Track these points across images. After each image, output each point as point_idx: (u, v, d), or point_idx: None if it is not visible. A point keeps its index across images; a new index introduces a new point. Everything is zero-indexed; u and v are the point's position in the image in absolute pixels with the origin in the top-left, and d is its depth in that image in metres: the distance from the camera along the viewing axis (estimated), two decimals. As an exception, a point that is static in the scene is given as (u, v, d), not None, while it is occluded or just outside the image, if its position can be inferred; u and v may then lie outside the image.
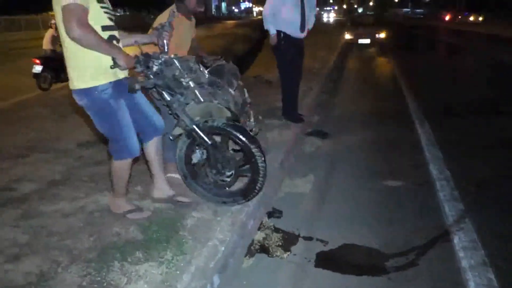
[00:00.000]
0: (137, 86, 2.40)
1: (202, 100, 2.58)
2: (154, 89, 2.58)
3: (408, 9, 62.51)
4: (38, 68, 8.22)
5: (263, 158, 2.59)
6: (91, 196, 2.99)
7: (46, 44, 8.85)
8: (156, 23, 2.91)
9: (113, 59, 2.22)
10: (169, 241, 2.36)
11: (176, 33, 2.93)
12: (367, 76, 9.70)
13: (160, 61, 2.45)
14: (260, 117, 3.48)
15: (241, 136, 2.53)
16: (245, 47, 15.03)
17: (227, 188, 2.80)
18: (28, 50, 11.96)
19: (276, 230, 2.91)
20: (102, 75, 2.27)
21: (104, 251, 2.28)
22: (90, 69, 2.24)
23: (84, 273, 2.11)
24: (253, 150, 2.55)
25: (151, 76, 2.44)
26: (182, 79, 2.51)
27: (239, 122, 2.71)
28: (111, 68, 2.24)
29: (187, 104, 2.60)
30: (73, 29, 2.05)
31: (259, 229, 2.91)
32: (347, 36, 15.61)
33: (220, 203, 2.80)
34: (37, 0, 33.00)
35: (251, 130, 2.93)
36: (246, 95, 3.13)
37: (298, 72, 5.03)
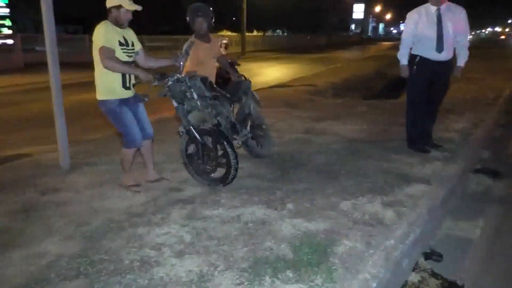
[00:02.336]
0: (146, 99, 3.40)
1: (200, 109, 3.45)
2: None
3: None
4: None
5: (234, 156, 3.36)
6: (247, 207, 3.14)
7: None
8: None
9: (136, 76, 3.27)
10: (319, 266, 2.30)
11: (195, 55, 3.89)
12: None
13: (173, 78, 3.31)
14: (264, 127, 4.37)
15: (220, 138, 3.40)
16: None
17: (212, 175, 3.59)
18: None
19: (434, 275, 2.60)
20: (111, 94, 3.30)
21: (257, 263, 2.35)
22: (105, 88, 3.30)
23: (238, 281, 2.19)
24: (228, 150, 3.35)
25: (166, 88, 3.34)
26: (187, 93, 3.38)
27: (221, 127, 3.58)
28: (133, 84, 3.38)
29: (190, 111, 3.47)
30: (104, 62, 3.13)
31: (413, 270, 2.65)
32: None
33: (206, 185, 3.58)
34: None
35: (245, 135, 3.92)
36: (252, 108, 4.11)
37: (431, 102, 4.50)
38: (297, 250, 2.48)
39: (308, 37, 47.52)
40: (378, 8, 69.34)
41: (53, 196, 3.48)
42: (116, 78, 3.26)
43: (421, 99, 4.47)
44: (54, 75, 3.99)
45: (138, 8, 3.24)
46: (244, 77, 4.14)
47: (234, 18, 37.78)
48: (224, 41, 9.71)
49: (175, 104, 3.45)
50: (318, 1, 41.90)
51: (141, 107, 3.56)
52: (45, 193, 3.53)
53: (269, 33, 50.02)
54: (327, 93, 9.44)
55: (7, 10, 33.69)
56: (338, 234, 2.69)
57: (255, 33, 44.54)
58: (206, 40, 4.06)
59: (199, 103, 3.42)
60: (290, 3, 37.88)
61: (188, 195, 3.44)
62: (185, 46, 3.46)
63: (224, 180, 3.48)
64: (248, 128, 3.97)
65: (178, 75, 3.35)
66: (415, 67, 4.39)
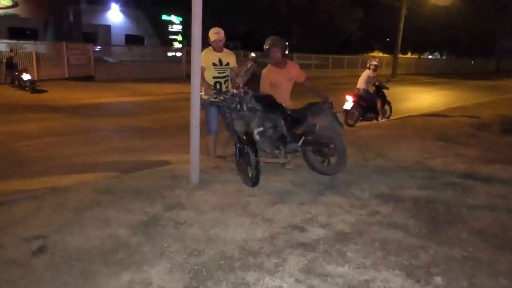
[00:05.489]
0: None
1: (245, 118, 4.14)
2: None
3: None
4: (348, 105, 8.44)
5: (254, 156, 3.86)
6: (380, 270, 2.51)
7: (361, 83, 8.97)
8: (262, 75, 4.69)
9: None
10: None
11: (268, 77, 4.61)
12: None
13: (229, 94, 4.18)
14: (332, 145, 4.49)
15: (246, 141, 3.98)
16: None
17: (249, 174, 4.07)
18: (346, 86, 12.95)
19: None
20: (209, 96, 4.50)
21: None
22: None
23: None
24: (249, 151, 3.89)
25: (220, 100, 4.30)
26: (236, 105, 4.11)
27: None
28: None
29: (237, 119, 4.18)
30: None
31: None
32: None
33: (248, 185, 4.07)
34: (359, 43, 36.69)
35: (291, 148, 4.27)
36: (317, 127, 4.38)
37: None
38: None
39: (472, 61, 42.52)
40: None
41: (175, 213, 3.39)
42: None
43: None
44: (194, 87, 3.98)
45: (218, 38, 4.57)
46: (326, 101, 4.54)
47: (387, 39, 36.04)
48: (374, 63, 9.00)
49: (227, 112, 4.32)
50: (487, 22, 36.91)
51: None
52: (169, 208, 3.47)
53: (425, 55, 46.42)
54: (494, 128, 7.91)
55: (180, 27, 38.83)
56: None
57: (409, 55, 41.74)
58: (281, 66, 4.66)
59: (245, 114, 4.14)
60: (453, 24, 34.27)
61: (311, 238, 2.96)
62: (245, 69, 4.37)
63: (252, 179, 3.99)
64: (300, 143, 4.26)
65: (234, 90, 4.20)
66: None
